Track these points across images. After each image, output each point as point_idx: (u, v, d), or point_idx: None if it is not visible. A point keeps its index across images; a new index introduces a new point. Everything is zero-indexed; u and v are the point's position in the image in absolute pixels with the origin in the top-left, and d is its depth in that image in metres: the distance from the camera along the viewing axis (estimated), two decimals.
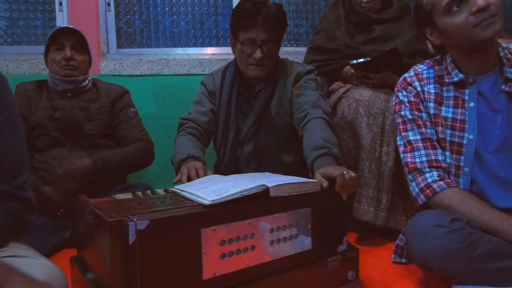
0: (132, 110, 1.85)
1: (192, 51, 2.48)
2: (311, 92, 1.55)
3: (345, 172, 1.14)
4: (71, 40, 1.72)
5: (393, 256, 1.34)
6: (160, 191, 1.16)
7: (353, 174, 1.14)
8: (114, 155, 1.69)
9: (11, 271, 0.69)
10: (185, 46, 2.50)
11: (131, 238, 0.81)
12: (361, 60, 1.70)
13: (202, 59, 2.35)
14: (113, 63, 2.30)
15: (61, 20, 2.34)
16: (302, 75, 1.60)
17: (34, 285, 0.70)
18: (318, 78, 1.70)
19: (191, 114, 1.61)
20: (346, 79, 1.82)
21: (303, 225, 1.08)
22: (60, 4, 2.34)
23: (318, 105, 1.49)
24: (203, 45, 2.51)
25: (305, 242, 1.08)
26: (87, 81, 1.80)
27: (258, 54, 1.50)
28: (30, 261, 0.87)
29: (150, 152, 1.81)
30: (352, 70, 1.75)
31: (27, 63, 2.25)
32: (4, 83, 0.93)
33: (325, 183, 1.14)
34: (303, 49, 2.22)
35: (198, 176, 1.29)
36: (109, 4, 2.41)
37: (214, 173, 1.63)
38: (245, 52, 1.52)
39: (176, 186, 1.17)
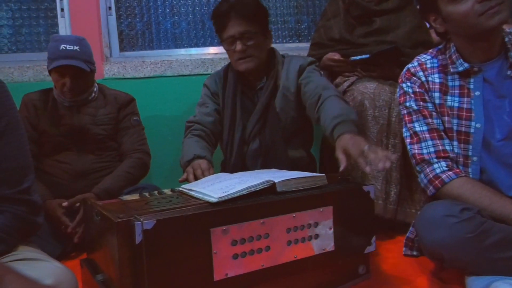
0: (134, 118, 1.85)
1: (194, 51, 2.48)
2: (318, 78, 1.56)
3: (365, 148, 1.06)
4: (72, 69, 1.65)
5: (403, 249, 1.33)
6: (167, 191, 1.16)
7: (375, 148, 1.06)
8: (112, 182, 1.67)
9: (7, 270, 0.70)
10: (187, 47, 2.50)
11: (138, 238, 0.81)
12: (360, 57, 1.71)
13: (205, 58, 2.35)
14: (116, 66, 2.31)
15: (63, 26, 2.36)
16: (305, 66, 1.59)
17: (31, 284, 0.70)
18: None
19: (196, 116, 1.63)
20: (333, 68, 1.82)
21: (324, 225, 1.04)
22: (62, 10, 2.35)
23: (329, 87, 1.49)
24: (205, 45, 2.51)
25: (327, 243, 1.05)
26: (93, 94, 1.80)
27: (238, 46, 1.51)
28: (40, 264, 0.87)
29: (144, 164, 1.80)
30: (336, 57, 1.77)
31: (31, 70, 2.27)
32: (3, 88, 0.93)
33: (343, 165, 1.09)
34: (305, 45, 2.20)
35: (204, 175, 1.29)
36: (110, 8, 2.42)
37: (221, 171, 1.64)
38: (229, 50, 1.55)
39: (182, 186, 1.18)
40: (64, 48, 1.63)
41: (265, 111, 1.57)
